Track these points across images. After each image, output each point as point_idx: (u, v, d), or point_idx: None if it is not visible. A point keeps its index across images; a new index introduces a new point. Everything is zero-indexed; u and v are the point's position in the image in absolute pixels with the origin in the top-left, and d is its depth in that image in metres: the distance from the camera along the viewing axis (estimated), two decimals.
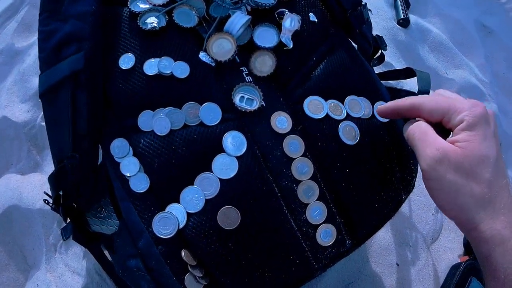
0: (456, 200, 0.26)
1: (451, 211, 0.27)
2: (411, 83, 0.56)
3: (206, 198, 0.30)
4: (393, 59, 0.59)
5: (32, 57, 0.57)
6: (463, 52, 0.64)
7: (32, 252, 0.50)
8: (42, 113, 0.53)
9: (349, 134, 0.33)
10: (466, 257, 0.47)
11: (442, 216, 0.51)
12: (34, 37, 0.60)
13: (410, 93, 0.40)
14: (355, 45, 0.42)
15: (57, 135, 0.33)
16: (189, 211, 0.30)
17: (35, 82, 0.55)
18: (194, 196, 0.30)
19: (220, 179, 0.30)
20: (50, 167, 0.52)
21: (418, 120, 0.30)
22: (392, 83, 0.53)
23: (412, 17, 0.63)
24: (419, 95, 0.30)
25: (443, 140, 0.27)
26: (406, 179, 0.36)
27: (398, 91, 0.40)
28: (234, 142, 0.31)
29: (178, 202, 0.30)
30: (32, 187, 0.50)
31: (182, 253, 0.30)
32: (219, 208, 0.29)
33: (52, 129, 0.34)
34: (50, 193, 0.41)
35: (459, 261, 0.47)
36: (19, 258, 0.50)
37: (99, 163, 0.35)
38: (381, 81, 0.41)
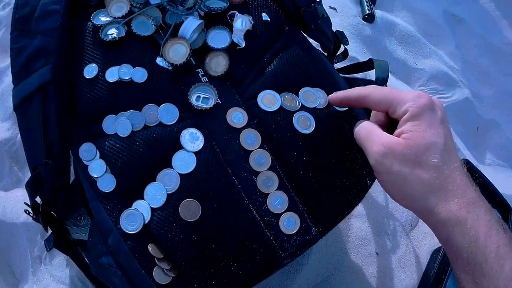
0: (404, 189, 0.27)
1: (402, 200, 0.28)
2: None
3: (168, 193, 0.32)
4: (359, 54, 0.62)
5: (10, 77, 0.60)
6: (432, 42, 0.67)
7: (19, 266, 0.52)
8: None
9: (303, 123, 0.36)
10: None
11: None
12: None
13: (367, 82, 0.42)
14: (316, 42, 0.45)
15: (31, 144, 0.36)
16: (153, 206, 0.32)
17: None
18: (157, 192, 0.32)
19: (180, 174, 0.32)
20: None
21: (364, 121, 0.32)
22: (359, 76, 0.55)
23: (379, 12, 0.67)
24: (368, 86, 0.32)
25: (388, 135, 0.29)
26: (369, 168, 0.39)
27: (355, 80, 0.42)
28: (191, 138, 0.33)
29: (143, 198, 0.32)
30: (15, 202, 0.53)
31: (149, 247, 0.32)
32: (181, 202, 0.32)
33: (26, 139, 0.37)
34: (29, 205, 0.44)
35: (439, 246, 0.48)
36: (7, 272, 0.53)
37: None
38: (342, 74, 0.44)
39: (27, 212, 0.44)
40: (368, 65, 0.47)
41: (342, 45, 0.50)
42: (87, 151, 0.34)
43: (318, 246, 0.48)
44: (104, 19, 0.37)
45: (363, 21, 0.65)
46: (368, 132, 0.30)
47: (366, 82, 0.43)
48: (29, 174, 0.56)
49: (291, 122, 0.35)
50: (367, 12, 0.65)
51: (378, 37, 0.64)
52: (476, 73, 0.67)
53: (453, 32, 0.69)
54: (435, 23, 0.68)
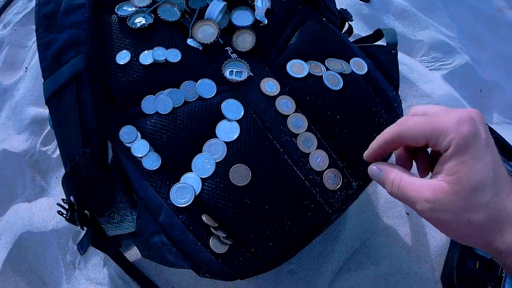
0: (458, 231, 0.26)
1: (463, 241, 0.27)
2: None
3: (216, 161, 0.34)
4: (362, 31, 0.66)
5: (21, 91, 0.61)
6: (427, 15, 0.71)
7: (51, 276, 0.52)
8: (40, 139, 0.57)
9: (332, 81, 0.38)
10: None
11: None
12: (20, 73, 0.65)
13: (379, 47, 0.45)
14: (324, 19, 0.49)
15: (66, 136, 0.37)
16: (202, 177, 0.34)
17: (29, 112, 0.59)
18: (205, 162, 0.34)
19: (225, 142, 0.34)
20: (56, 190, 0.56)
21: (391, 170, 0.29)
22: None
23: None
24: (395, 124, 0.29)
25: (427, 184, 0.26)
26: (393, 121, 0.41)
27: (368, 47, 0.45)
28: (232, 108, 0.36)
29: (191, 170, 0.34)
30: (42, 211, 0.53)
31: (203, 217, 0.33)
32: (230, 168, 0.33)
33: (61, 131, 0.37)
34: (63, 205, 0.44)
35: None
36: (39, 285, 0.52)
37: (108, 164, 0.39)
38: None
39: (60, 213, 0.45)
40: (376, 36, 0.51)
41: (347, 22, 0.54)
42: (128, 133, 0.36)
43: (352, 213, 0.50)
44: (129, 9, 0.40)
45: (360, 1, 0.69)
46: (402, 190, 0.28)
47: (378, 47, 0.46)
48: (53, 181, 0.58)
49: (321, 83, 0.38)
50: None
51: (376, 15, 0.68)
52: (472, 39, 0.72)
53: (445, 4, 0.75)
54: None
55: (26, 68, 0.65)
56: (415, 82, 0.58)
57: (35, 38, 0.71)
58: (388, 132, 0.29)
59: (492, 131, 0.59)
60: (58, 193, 0.55)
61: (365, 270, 0.48)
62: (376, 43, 0.51)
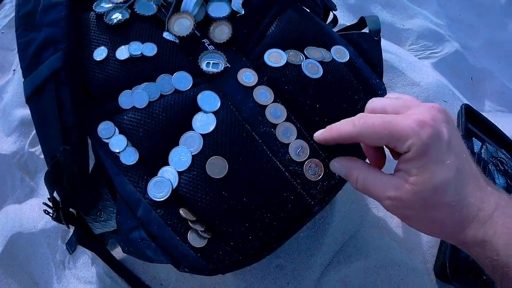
0: (422, 227, 0.27)
1: (424, 233, 0.28)
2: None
3: (193, 154, 0.34)
4: (348, 22, 0.66)
5: (10, 93, 0.62)
6: (415, 3, 0.71)
7: (42, 276, 0.52)
8: (28, 140, 0.58)
9: (312, 69, 0.38)
10: None
11: None
12: (8, 76, 0.66)
13: (362, 34, 0.45)
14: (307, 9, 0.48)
15: (47, 133, 0.37)
16: (179, 170, 0.33)
17: (17, 114, 0.60)
18: (181, 155, 0.34)
19: (201, 134, 0.34)
20: (44, 190, 0.56)
21: (356, 166, 0.30)
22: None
23: None
24: (354, 118, 0.28)
25: (390, 180, 0.27)
26: None
27: (350, 34, 0.45)
28: (208, 100, 0.35)
29: (168, 164, 0.34)
30: (31, 211, 0.54)
31: (181, 211, 0.33)
32: (206, 160, 0.33)
33: (41, 129, 0.38)
34: (48, 204, 0.44)
35: None
36: (31, 285, 0.53)
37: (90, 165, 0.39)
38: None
39: (46, 212, 0.45)
40: (360, 24, 0.50)
41: (331, 12, 0.53)
42: (106, 129, 0.36)
43: (340, 204, 0.50)
44: (106, 5, 0.40)
45: None
46: (367, 188, 0.28)
47: (361, 34, 0.45)
48: (41, 182, 0.58)
49: (300, 71, 0.38)
50: None
51: (363, 4, 0.68)
52: (462, 27, 0.71)
53: None
54: None
55: (14, 70, 0.66)
56: (403, 71, 0.57)
57: None
58: (345, 131, 0.29)
59: (483, 119, 0.58)
60: (47, 193, 0.55)
61: (355, 263, 0.47)
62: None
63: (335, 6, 0.53)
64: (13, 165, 0.57)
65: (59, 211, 0.41)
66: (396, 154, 0.27)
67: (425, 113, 0.25)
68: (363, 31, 0.46)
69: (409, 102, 0.28)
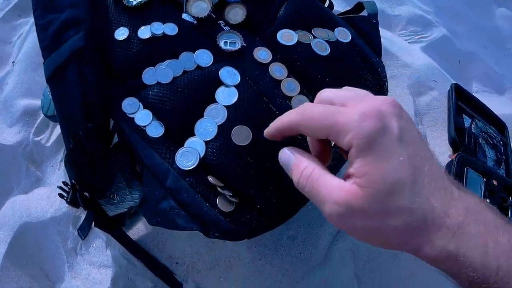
0: (378, 240, 0.23)
1: (383, 247, 0.24)
2: None
3: (218, 124, 0.37)
4: (340, 8, 0.71)
5: (10, 84, 0.63)
6: None
7: (52, 266, 0.53)
8: (33, 129, 0.58)
9: (320, 47, 0.42)
10: (455, 154, 0.56)
11: (423, 127, 0.60)
12: (7, 68, 0.66)
13: (361, 17, 0.50)
14: None
15: (68, 112, 0.39)
16: (206, 139, 0.36)
17: (20, 104, 0.60)
18: (207, 126, 0.37)
19: (225, 106, 0.37)
20: (51, 178, 0.57)
21: (303, 160, 0.27)
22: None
23: None
24: (299, 108, 0.27)
25: (338, 184, 0.23)
26: (378, 83, 0.46)
27: (351, 17, 0.50)
28: (229, 75, 0.39)
29: (194, 135, 0.37)
30: (39, 200, 0.55)
31: (209, 178, 0.36)
32: (231, 129, 0.36)
33: (62, 108, 0.39)
34: (63, 187, 0.46)
35: (450, 159, 0.56)
36: (41, 276, 0.53)
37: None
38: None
39: (61, 195, 0.47)
40: (356, 9, 0.55)
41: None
42: (130, 104, 0.38)
43: None
44: None
45: None
46: (313, 184, 0.25)
47: (360, 17, 0.50)
48: (48, 171, 0.59)
49: (310, 49, 0.42)
50: None
51: None
52: (449, 14, 0.77)
53: None
54: None
55: (13, 62, 0.66)
56: (396, 54, 0.62)
57: (19, 33, 0.73)
58: (286, 120, 0.27)
59: (472, 98, 0.64)
60: (54, 181, 0.56)
61: None
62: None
63: None
64: (18, 155, 0.58)
65: (75, 194, 0.43)
66: (346, 154, 0.24)
67: (372, 106, 0.23)
68: (361, 14, 0.50)
69: (361, 95, 0.25)
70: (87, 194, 0.45)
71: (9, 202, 0.57)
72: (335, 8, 0.68)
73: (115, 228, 0.49)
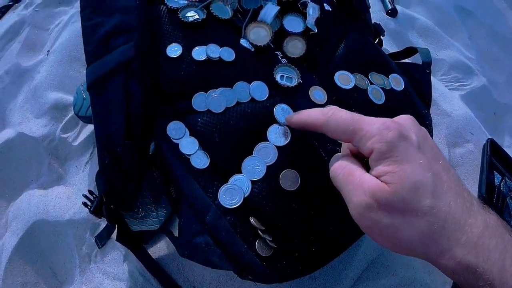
0: (398, 241, 0.23)
1: (400, 251, 0.24)
2: None
3: (267, 164, 0.35)
4: (388, 46, 0.69)
5: (42, 74, 0.60)
6: (448, 34, 0.75)
7: (63, 267, 0.51)
8: (61, 125, 0.56)
9: (376, 95, 0.40)
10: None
11: (450, 153, 0.58)
12: (41, 56, 0.64)
13: (416, 65, 0.48)
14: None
15: (108, 125, 0.36)
16: (252, 179, 0.34)
17: (50, 96, 0.58)
18: (255, 164, 0.35)
19: (276, 146, 0.35)
20: (74, 179, 0.55)
21: (344, 156, 0.28)
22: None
23: (398, 7, 0.74)
24: (327, 109, 0.28)
25: (370, 177, 0.24)
26: None
27: (405, 64, 0.47)
28: (284, 113, 0.36)
29: (240, 172, 0.35)
30: (58, 199, 0.52)
31: (251, 219, 0.34)
32: (280, 172, 0.34)
33: (102, 120, 0.37)
34: (89, 197, 0.44)
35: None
36: (49, 275, 0.51)
37: None
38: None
39: (85, 204, 0.44)
40: (405, 53, 0.53)
41: (380, 36, 0.56)
42: (176, 129, 0.36)
43: None
44: (179, 1, 0.40)
45: (387, 16, 0.72)
46: (347, 174, 0.26)
47: (415, 65, 0.48)
48: (71, 170, 0.57)
49: (366, 96, 0.40)
50: (390, 7, 0.72)
51: (401, 31, 0.71)
52: (489, 61, 0.75)
53: (465, 24, 0.79)
54: (449, 16, 0.77)
55: (48, 51, 0.64)
56: (436, 101, 0.60)
57: (57, 21, 0.70)
58: (312, 118, 0.28)
59: (505, 155, 0.62)
60: (76, 182, 0.54)
61: (382, 280, 0.50)
62: (405, 60, 0.53)
63: (384, 32, 0.56)
64: (41, 149, 0.56)
65: (102, 206, 0.40)
66: (364, 164, 0.26)
67: (393, 119, 0.25)
68: (416, 62, 0.48)
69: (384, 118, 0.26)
70: (112, 207, 0.43)
71: (25, 194, 0.55)
72: (384, 47, 0.66)
73: (137, 244, 0.47)
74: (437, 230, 0.22)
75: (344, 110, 0.27)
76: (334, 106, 0.28)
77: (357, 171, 0.26)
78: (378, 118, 0.25)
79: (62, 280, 0.51)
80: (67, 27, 0.63)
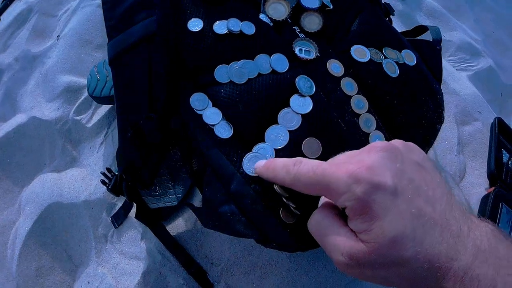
0: (392, 285, 0.24)
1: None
2: None
3: (289, 129, 0.36)
4: (396, 27, 0.70)
5: (53, 59, 0.61)
6: (455, 16, 0.77)
7: (78, 249, 0.52)
8: (74, 108, 0.57)
9: (390, 68, 0.42)
10: (492, 188, 0.56)
11: (464, 157, 0.61)
12: (50, 42, 0.65)
13: (427, 42, 0.49)
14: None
15: (131, 98, 0.38)
16: (276, 147, 0.36)
17: (62, 80, 0.59)
18: (278, 133, 0.36)
19: (299, 114, 0.37)
20: (88, 160, 0.56)
21: (320, 208, 0.28)
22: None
23: None
24: (295, 160, 0.28)
25: (345, 237, 0.24)
26: (437, 111, 0.45)
27: (417, 40, 0.49)
28: (305, 84, 0.38)
29: (263, 141, 0.36)
30: (73, 181, 0.53)
31: (275, 186, 0.35)
32: (303, 140, 0.36)
33: (124, 94, 0.38)
34: (107, 174, 0.45)
35: (487, 193, 0.56)
36: (64, 258, 0.52)
37: None
38: None
39: (103, 182, 0.46)
40: (415, 31, 0.55)
41: (390, 16, 0.58)
42: (199, 100, 0.37)
43: None
44: None
45: None
46: (322, 234, 0.26)
47: (426, 42, 0.50)
48: (85, 152, 0.58)
49: (381, 69, 0.41)
50: None
51: (410, 12, 0.73)
52: (495, 44, 0.78)
53: (471, 8, 0.81)
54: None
55: (58, 36, 0.64)
56: (445, 79, 0.62)
57: (65, 8, 0.71)
58: (279, 176, 0.28)
59: (509, 130, 0.64)
60: (91, 163, 0.55)
61: None
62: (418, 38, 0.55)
63: (394, 11, 0.57)
64: (55, 132, 0.57)
65: (121, 184, 0.41)
66: None
67: (362, 162, 0.24)
68: (427, 39, 0.50)
69: (350, 154, 0.27)
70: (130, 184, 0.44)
71: (39, 178, 0.56)
72: (395, 27, 0.68)
73: (155, 221, 0.48)
74: (422, 274, 0.22)
75: (308, 163, 0.27)
76: (299, 159, 0.28)
77: (332, 229, 0.25)
78: (345, 165, 0.24)
79: (78, 263, 0.52)
80: (77, 13, 0.64)
